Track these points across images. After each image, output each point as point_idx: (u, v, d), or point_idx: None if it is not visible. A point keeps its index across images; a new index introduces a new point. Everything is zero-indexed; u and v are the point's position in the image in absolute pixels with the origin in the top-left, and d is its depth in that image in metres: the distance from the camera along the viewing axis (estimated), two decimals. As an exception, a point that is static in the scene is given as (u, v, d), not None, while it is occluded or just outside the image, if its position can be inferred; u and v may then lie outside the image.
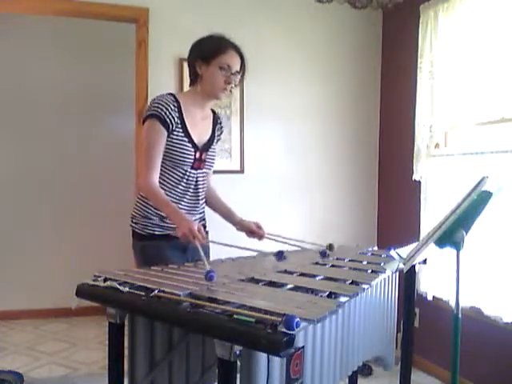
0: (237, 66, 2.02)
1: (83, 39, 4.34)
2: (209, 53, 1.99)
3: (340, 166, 3.69)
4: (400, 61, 3.53)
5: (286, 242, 2.10)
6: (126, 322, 1.48)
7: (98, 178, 4.42)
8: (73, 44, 4.34)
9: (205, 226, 2.22)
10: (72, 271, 3.92)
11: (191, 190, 2.08)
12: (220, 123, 2.24)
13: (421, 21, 3.14)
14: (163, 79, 3.20)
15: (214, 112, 2.22)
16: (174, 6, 3.24)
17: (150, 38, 3.16)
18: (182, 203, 2.06)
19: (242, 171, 3.40)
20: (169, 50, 3.20)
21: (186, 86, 3.19)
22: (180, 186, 2.04)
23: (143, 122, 2.00)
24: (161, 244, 2.02)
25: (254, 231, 2.15)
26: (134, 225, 2.10)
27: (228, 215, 2.23)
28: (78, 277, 1.56)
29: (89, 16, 3.23)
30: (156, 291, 1.32)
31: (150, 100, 3.09)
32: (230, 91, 2.07)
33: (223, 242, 1.85)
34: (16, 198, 4.29)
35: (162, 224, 2.03)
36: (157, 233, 2.04)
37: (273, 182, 3.51)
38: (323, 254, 1.96)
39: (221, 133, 2.25)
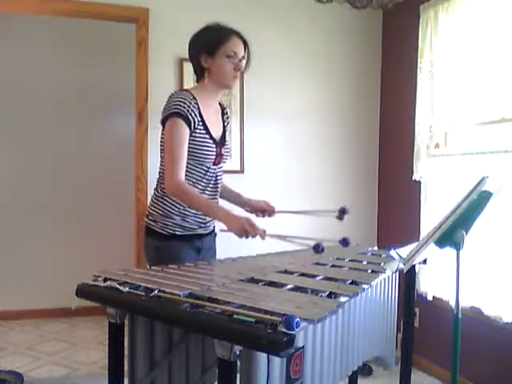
0: (242, 51, 1.99)
1: (83, 39, 4.34)
2: (212, 44, 1.96)
3: (340, 166, 3.69)
4: (400, 61, 3.53)
5: (297, 212, 2.20)
6: (126, 322, 1.48)
7: (98, 178, 4.42)
8: (73, 44, 4.34)
9: (214, 227, 2.20)
10: (72, 271, 3.93)
11: (211, 186, 2.05)
12: (226, 113, 2.20)
13: (421, 21, 3.14)
14: (163, 79, 3.20)
15: (219, 103, 2.18)
16: (174, 6, 3.24)
17: (149, 37, 3.16)
18: (205, 196, 2.03)
19: (241, 171, 3.40)
20: (169, 50, 3.20)
21: (186, 86, 3.21)
22: (201, 183, 2.01)
23: (164, 120, 1.94)
24: (179, 245, 1.99)
25: (264, 209, 2.15)
26: (151, 223, 2.02)
27: (237, 198, 2.23)
28: (78, 277, 1.56)
29: (89, 16, 3.23)
30: (156, 291, 1.32)
31: (149, 100, 3.14)
32: (237, 77, 2.03)
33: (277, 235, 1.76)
34: (16, 197, 4.28)
35: (184, 224, 2.00)
36: (178, 233, 1.99)
37: (273, 181, 3.51)
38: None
39: (228, 123, 2.21)
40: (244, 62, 2.01)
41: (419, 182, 3.20)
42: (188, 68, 3.19)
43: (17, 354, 3.48)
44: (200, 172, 1.99)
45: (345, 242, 1.81)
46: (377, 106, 3.76)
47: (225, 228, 1.77)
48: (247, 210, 2.19)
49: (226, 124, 2.17)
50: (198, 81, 2.07)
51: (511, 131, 2.68)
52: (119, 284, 1.38)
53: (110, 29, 3.96)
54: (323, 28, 3.61)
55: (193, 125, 1.92)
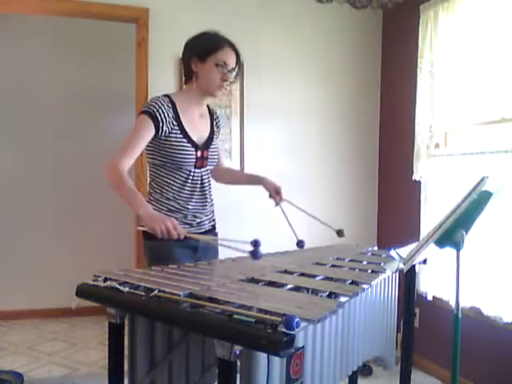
0: (233, 63, 2.01)
1: (83, 39, 4.34)
2: (204, 50, 1.98)
3: (340, 166, 3.69)
4: (400, 61, 3.53)
5: (302, 210, 2.26)
6: (126, 322, 1.48)
7: (98, 178, 4.38)
8: (73, 44, 4.34)
9: (214, 228, 2.22)
10: (72, 271, 3.93)
11: (197, 190, 2.07)
12: (217, 117, 2.23)
13: (421, 21, 3.14)
14: (163, 79, 3.20)
15: (208, 107, 2.20)
16: (173, 6, 3.24)
17: (149, 37, 3.16)
18: (191, 204, 2.05)
19: (241, 171, 3.40)
20: (169, 50, 3.20)
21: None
22: (186, 188, 2.03)
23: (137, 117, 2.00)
24: (170, 244, 1.98)
25: (271, 195, 2.24)
26: (143, 224, 2.07)
27: (253, 179, 2.32)
28: (78, 277, 1.56)
29: (89, 16, 3.23)
30: (156, 291, 1.32)
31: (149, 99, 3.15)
32: (226, 88, 2.06)
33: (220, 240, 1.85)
34: (16, 197, 4.29)
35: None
36: None
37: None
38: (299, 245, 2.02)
39: (218, 126, 2.23)
40: (233, 74, 2.03)
41: (419, 182, 3.20)
42: (188, 68, 3.20)
43: (17, 353, 3.48)
44: (182, 176, 2.02)
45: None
46: (377, 106, 3.76)
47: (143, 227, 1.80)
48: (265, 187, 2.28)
49: (216, 128, 2.20)
50: (185, 83, 2.11)
51: (511, 131, 2.68)
52: (119, 284, 1.38)
53: (110, 29, 3.96)
54: (323, 28, 3.61)
55: (161, 125, 1.93)
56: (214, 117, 2.21)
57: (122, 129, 4.34)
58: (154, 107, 1.94)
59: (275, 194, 2.24)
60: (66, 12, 3.21)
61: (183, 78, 2.11)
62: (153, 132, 1.93)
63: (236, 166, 3.37)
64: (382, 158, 3.75)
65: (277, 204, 2.24)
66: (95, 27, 4.09)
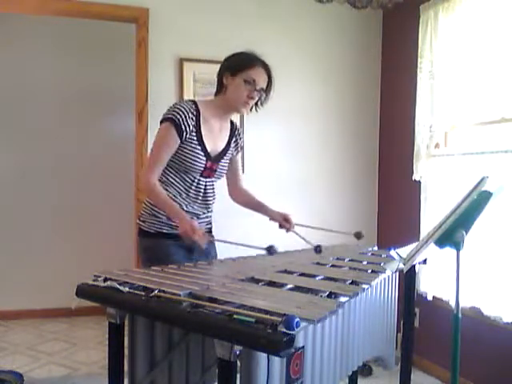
0: (262, 83, 2.04)
1: (83, 39, 4.34)
2: (237, 65, 2.03)
3: (340, 166, 3.69)
4: (400, 61, 3.53)
5: (314, 228, 2.25)
6: (126, 322, 1.48)
7: (98, 178, 4.42)
8: (73, 44, 4.34)
9: (210, 231, 2.24)
10: (72, 271, 3.92)
11: (200, 198, 2.10)
12: (238, 134, 2.26)
13: (421, 21, 3.14)
14: (163, 79, 3.20)
15: (232, 123, 2.23)
16: (174, 5, 3.24)
17: (149, 37, 3.16)
18: (195, 207, 2.09)
19: (241, 171, 3.39)
20: (169, 50, 3.20)
21: (186, 86, 3.21)
22: (190, 193, 2.07)
23: (161, 122, 2.02)
24: (167, 243, 2.04)
25: (280, 222, 2.21)
26: (141, 223, 2.10)
27: (261, 208, 2.29)
28: (78, 277, 1.56)
29: (89, 16, 3.23)
30: (156, 291, 1.32)
31: (149, 100, 3.14)
32: (256, 109, 2.12)
33: (227, 240, 1.87)
34: (16, 197, 4.29)
35: (170, 223, 2.04)
36: (164, 231, 2.05)
37: (273, 181, 3.51)
38: (316, 251, 2.01)
39: (237, 144, 2.26)
40: (262, 94, 2.07)
41: (419, 181, 3.20)
42: (188, 68, 3.20)
43: (17, 353, 3.48)
44: (186, 181, 2.05)
45: (271, 251, 1.88)
46: (377, 106, 3.76)
47: None
48: (270, 219, 2.26)
49: (236, 144, 2.23)
50: (215, 95, 2.14)
51: (511, 131, 2.68)
52: (119, 284, 1.38)
53: (109, 29, 3.96)
54: (323, 28, 3.61)
55: (185, 134, 1.98)
56: (236, 133, 2.24)
57: (121, 129, 4.36)
58: (180, 115, 1.97)
59: (285, 222, 2.21)
60: (66, 12, 3.21)
61: (215, 91, 2.14)
62: (178, 141, 1.98)
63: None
64: (382, 158, 3.75)
65: (288, 230, 2.21)
66: (95, 27, 4.08)
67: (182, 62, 3.21)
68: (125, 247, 3.78)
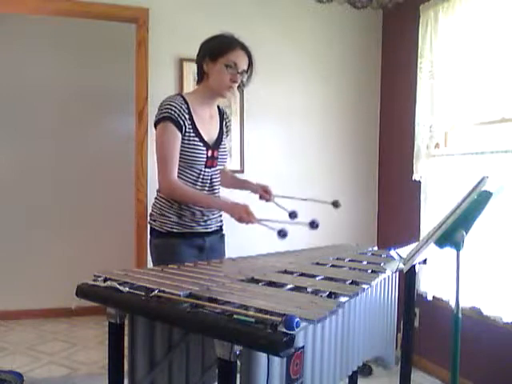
0: (244, 65, 2.02)
1: (83, 39, 4.34)
2: (216, 50, 2.00)
3: (340, 166, 3.69)
4: (400, 61, 3.53)
5: (293, 198, 2.29)
6: (126, 322, 1.48)
7: (98, 178, 4.42)
8: (72, 44, 4.34)
9: (221, 228, 2.24)
10: (72, 271, 3.92)
11: (207, 189, 2.09)
12: (226, 118, 2.25)
13: (421, 21, 3.14)
14: (163, 79, 3.20)
15: (218, 107, 2.22)
16: (173, 6, 3.24)
17: (149, 38, 3.16)
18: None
19: (242, 171, 3.40)
20: (169, 50, 3.20)
21: (186, 86, 3.21)
22: (196, 187, 2.06)
23: (155, 124, 2.01)
24: (178, 242, 2.03)
25: (261, 194, 2.26)
26: (152, 222, 2.10)
27: (240, 183, 2.35)
28: (78, 277, 1.56)
29: (89, 16, 3.23)
30: (156, 291, 1.32)
31: (149, 100, 3.14)
32: (242, 91, 2.11)
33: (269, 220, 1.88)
34: (16, 198, 4.28)
35: (180, 222, 2.04)
36: (175, 230, 2.04)
37: (273, 181, 3.47)
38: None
39: (228, 126, 2.26)
40: (244, 76, 2.05)
41: (419, 181, 3.20)
42: (188, 68, 3.20)
43: (17, 353, 3.48)
44: (192, 175, 2.04)
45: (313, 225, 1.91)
46: (377, 106, 3.76)
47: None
48: (252, 191, 2.30)
49: (226, 128, 2.22)
50: (197, 83, 2.12)
51: (511, 131, 2.68)
52: (119, 284, 1.38)
53: (110, 29, 3.96)
54: (323, 28, 3.61)
55: (184, 128, 1.97)
56: (224, 117, 2.23)
57: (122, 129, 4.36)
58: (174, 111, 1.95)
59: (264, 192, 2.26)
60: (66, 12, 3.21)
61: (196, 79, 2.13)
62: (179, 135, 1.97)
63: (236, 166, 3.37)
64: (382, 158, 3.75)
65: (268, 200, 2.26)
66: (95, 27, 4.08)
67: (181, 62, 3.21)
68: (125, 247, 3.78)
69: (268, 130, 3.49)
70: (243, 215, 1.85)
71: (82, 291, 1.45)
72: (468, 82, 2.85)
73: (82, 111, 4.39)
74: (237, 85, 2.04)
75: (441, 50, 3.01)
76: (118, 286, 1.37)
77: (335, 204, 2.27)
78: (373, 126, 3.76)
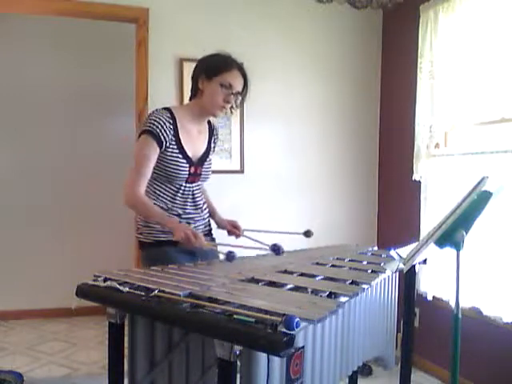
0: (239, 87, 2.02)
1: (83, 39, 4.34)
2: (212, 69, 2.00)
3: (340, 166, 3.69)
4: (400, 61, 3.53)
5: (265, 231, 2.12)
6: (126, 322, 1.48)
7: (98, 178, 4.42)
8: (72, 44, 4.34)
9: (211, 232, 2.23)
10: (72, 271, 3.93)
11: (189, 203, 2.09)
12: (216, 134, 2.24)
13: (421, 21, 3.13)
14: (163, 79, 3.20)
15: (209, 123, 2.21)
16: (173, 6, 3.24)
17: (149, 38, 3.16)
18: (186, 211, 2.08)
19: (241, 171, 3.40)
20: (169, 50, 3.20)
21: (186, 86, 3.20)
22: (177, 199, 2.05)
23: (139, 134, 2.00)
24: (167, 249, 2.01)
25: (228, 230, 2.21)
26: (138, 235, 2.09)
27: (214, 217, 2.28)
28: (78, 277, 1.56)
29: (89, 16, 3.23)
30: (156, 291, 1.32)
31: (149, 100, 3.14)
32: (231, 112, 2.09)
33: (225, 243, 1.87)
34: (16, 198, 4.28)
35: (165, 229, 2.01)
36: (162, 238, 2.03)
37: (273, 181, 3.51)
38: (275, 251, 1.92)
39: (216, 142, 2.25)
40: (239, 98, 2.05)
41: (419, 181, 3.20)
42: (188, 68, 3.19)
43: (17, 353, 3.48)
44: (172, 189, 2.04)
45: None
46: (377, 106, 3.76)
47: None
48: (218, 227, 2.26)
49: (213, 144, 2.21)
50: (190, 99, 2.12)
51: (511, 131, 2.68)
52: (119, 284, 1.38)
53: (110, 29, 3.96)
54: (323, 28, 3.61)
55: (164, 144, 1.96)
56: (214, 133, 2.22)
57: (121, 129, 4.36)
58: (157, 126, 1.94)
59: (233, 228, 2.22)
60: (66, 12, 3.21)
61: (189, 94, 2.12)
62: (158, 151, 1.96)
63: (236, 166, 3.38)
64: (382, 158, 3.75)
65: (238, 236, 2.21)
66: (95, 27, 4.08)
67: (181, 62, 3.21)
68: (125, 247, 3.78)
69: (268, 130, 3.49)
70: (182, 235, 1.80)
71: (82, 291, 1.45)
72: (468, 82, 2.85)
73: (82, 111, 4.39)
74: (230, 105, 2.03)
75: (441, 50, 3.01)
76: (117, 286, 1.37)
77: (307, 234, 2.21)
78: (373, 126, 3.76)
